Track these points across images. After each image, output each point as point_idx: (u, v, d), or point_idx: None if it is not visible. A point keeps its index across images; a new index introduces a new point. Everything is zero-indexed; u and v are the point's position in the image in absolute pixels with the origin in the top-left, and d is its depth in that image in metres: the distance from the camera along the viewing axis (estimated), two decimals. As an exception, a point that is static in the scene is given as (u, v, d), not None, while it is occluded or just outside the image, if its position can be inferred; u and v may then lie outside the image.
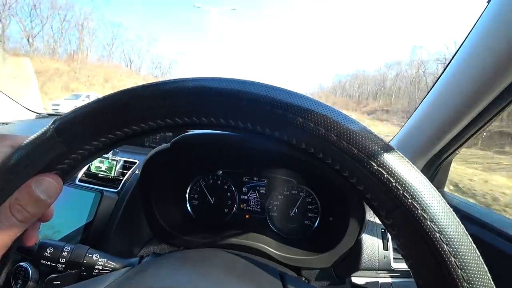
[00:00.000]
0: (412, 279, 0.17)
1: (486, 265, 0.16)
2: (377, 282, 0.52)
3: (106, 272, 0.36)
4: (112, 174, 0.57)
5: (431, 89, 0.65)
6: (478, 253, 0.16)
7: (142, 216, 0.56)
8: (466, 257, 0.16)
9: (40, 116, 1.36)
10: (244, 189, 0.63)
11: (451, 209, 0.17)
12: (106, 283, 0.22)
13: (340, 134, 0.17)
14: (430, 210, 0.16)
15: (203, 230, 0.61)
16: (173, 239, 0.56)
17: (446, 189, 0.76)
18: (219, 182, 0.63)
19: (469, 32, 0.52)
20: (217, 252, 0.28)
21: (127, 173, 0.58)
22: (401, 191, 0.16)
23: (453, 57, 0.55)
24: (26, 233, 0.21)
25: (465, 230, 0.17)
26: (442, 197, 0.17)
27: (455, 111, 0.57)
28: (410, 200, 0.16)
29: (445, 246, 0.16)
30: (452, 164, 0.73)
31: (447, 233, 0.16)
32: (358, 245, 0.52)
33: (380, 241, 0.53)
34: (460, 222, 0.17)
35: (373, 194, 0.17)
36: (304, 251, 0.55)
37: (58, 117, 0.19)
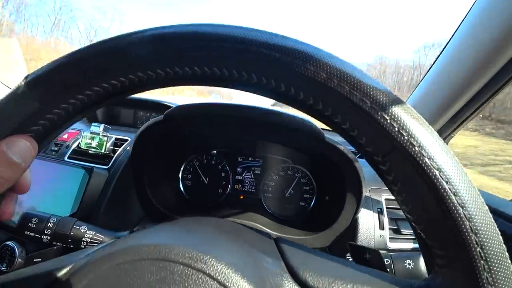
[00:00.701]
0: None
1: None
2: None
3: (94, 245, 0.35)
4: (103, 151, 0.55)
5: (428, 71, 0.64)
6: (479, 193, 0.15)
7: (134, 194, 0.54)
8: (467, 196, 0.14)
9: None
10: (238, 169, 0.62)
11: (449, 149, 0.16)
12: (91, 251, 0.20)
13: (330, 74, 0.15)
14: (428, 147, 0.15)
15: (197, 210, 0.59)
16: (166, 219, 0.55)
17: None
18: (213, 162, 0.62)
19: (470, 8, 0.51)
20: (209, 218, 0.26)
21: (118, 150, 0.57)
22: (396, 129, 0.15)
23: (454, 32, 0.54)
24: (2, 205, 0.19)
25: (464, 170, 0.15)
26: (439, 137, 0.16)
27: (452, 92, 0.56)
28: (406, 137, 0.15)
29: (445, 184, 0.14)
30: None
31: (446, 170, 0.14)
32: (354, 224, 0.51)
33: (377, 221, 0.52)
34: (459, 161, 0.15)
35: (367, 138, 0.16)
36: (300, 231, 0.55)
37: (33, 71, 0.17)
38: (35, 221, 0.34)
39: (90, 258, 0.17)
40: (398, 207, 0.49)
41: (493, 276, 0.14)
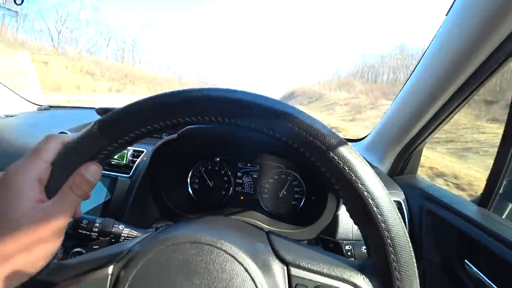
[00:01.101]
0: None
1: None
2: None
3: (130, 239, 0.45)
4: (124, 162, 0.65)
5: (405, 84, 0.73)
6: (395, 206, 0.25)
7: (151, 197, 0.64)
8: (384, 208, 0.24)
9: (42, 108, 1.41)
10: (239, 174, 0.72)
11: (378, 178, 0.25)
12: (137, 241, 0.30)
13: (306, 131, 0.25)
14: (362, 177, 0.24)
15: (204, 210, 0.70)
16: (178, 217, 0.65)
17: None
18: (216, 168, 0.72)
19: (434, 35, 0.60)
20: (220, 217, 0.36)
21: (136, 160, 0.67)
22: (341, 165, 0.24)
23: (423, 54, 0.63)
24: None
25: (386, 191, 0.25)
26: (370, 168, 0.25)
27: (421, 105, 0.65)
28: (348, 171, 0.24)
29: (371, 201, 0.24)
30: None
31: (373, 192, 0.24)
32: (335, 220, 0.62)
33: None
34: (383, 186, 0.25)
35: (326, 168, 0.25)
36: (291, 225, 0.65)
37: (100, 118, 0.27)
38: (86, 222, 0.44)
39: (143, 244, 0.27)
40: None
41: (399, 260, 0.24)
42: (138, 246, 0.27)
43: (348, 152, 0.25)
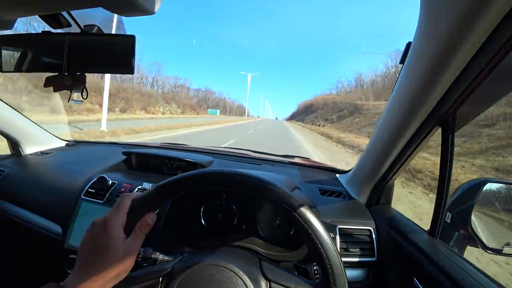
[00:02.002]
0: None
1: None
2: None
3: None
4: (151, 200, 0.83)
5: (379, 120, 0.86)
6: (329, 234, 0.42)
7: (173, 228, 0.81)
8: (326, 246, 0.41)
9: (70, 144, 1.61)
10: (241, 208, 0.89)
11: (314, 215, 0.42)
12: (174, 262, 0.47)
13: (272, 194, 0.43)
14: (313, 227, 0.41)
15: (214, 237, 0.86)
16: (194, 243, 0.82)
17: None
18: (223, 202, 0.89)
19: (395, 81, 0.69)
20: (229, 248, 0.54)
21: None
22: (301, 219, 0.41)
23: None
24: None
25: (329, 235, 0.42)
26: (319, 221, 0.43)
27: (388, 143, 0.77)
28: (303, 223, 0.41)
29: (317, 240, 0.41)
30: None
31: (320, 237, 0.41)
32: None
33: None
34: (316, 217, 0.42)
35: (292, 220, 0.43)
36: (284, 249, 0.81)
37: (159, 186, 0.45)
38: None
39: (181, 264, 0.44)
40: (348, 234, 0.77)
41: (335, 282, 0.41)
42: (178, 266, 0.45)
43: (306, 211, 0.42)
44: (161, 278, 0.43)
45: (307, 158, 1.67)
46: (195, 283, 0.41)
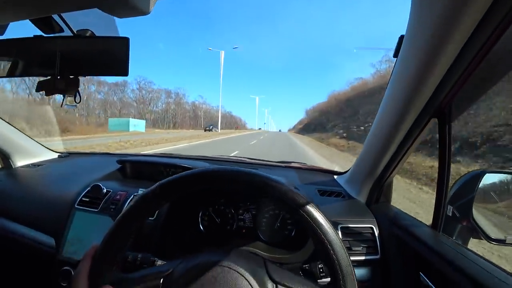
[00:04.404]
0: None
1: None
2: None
3: None
4: (147, 207, 0.81)
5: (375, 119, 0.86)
6: (336, 232, 0.41)
7: (171, 235, 0.79)
8: (335, 245, 0.40)
9: (62, 155, 1.57)
10: (240, 211, 0.87)
11: (320, 212, 0.41)
12: (177, 263, 0.45)
13: (280, 193, 0.42)
14: (321, 225, 0.40)
15: (212, 242, 0.84)
16: (192, 250, 0.79)
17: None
18: (222, 207, 0.87)
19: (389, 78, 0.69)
20: (232, 248, 0.52)
21: (158, 205, 0.83)
22: (309, 218, 0.40)
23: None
24: None
25: (337, 234, 0.41)
26: (326, 219, 0.42)
27: (385, 141, 0.77)
28: (311, 222, 0.40)
29: (326, 240, 0.40)
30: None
31: (329, 236, 0.40)
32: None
33: None
34: (322, 215, 0.41)
35: (300, 219, 0.42)
36: (285, 251, 0.79)
37: (163, 181, 0.43)
38: (130, 256, 0.59)
39: (183, 265, 0.42)
40: (350, 232, 0.75)
41: (344, 280, 0.39)
42: (180, 266, 0.43)
43: (313, 209, 0.41)
44: (161, 280, 0.41)
45: (303, 163, 1.67)
46: (197, 285, 0.39)
